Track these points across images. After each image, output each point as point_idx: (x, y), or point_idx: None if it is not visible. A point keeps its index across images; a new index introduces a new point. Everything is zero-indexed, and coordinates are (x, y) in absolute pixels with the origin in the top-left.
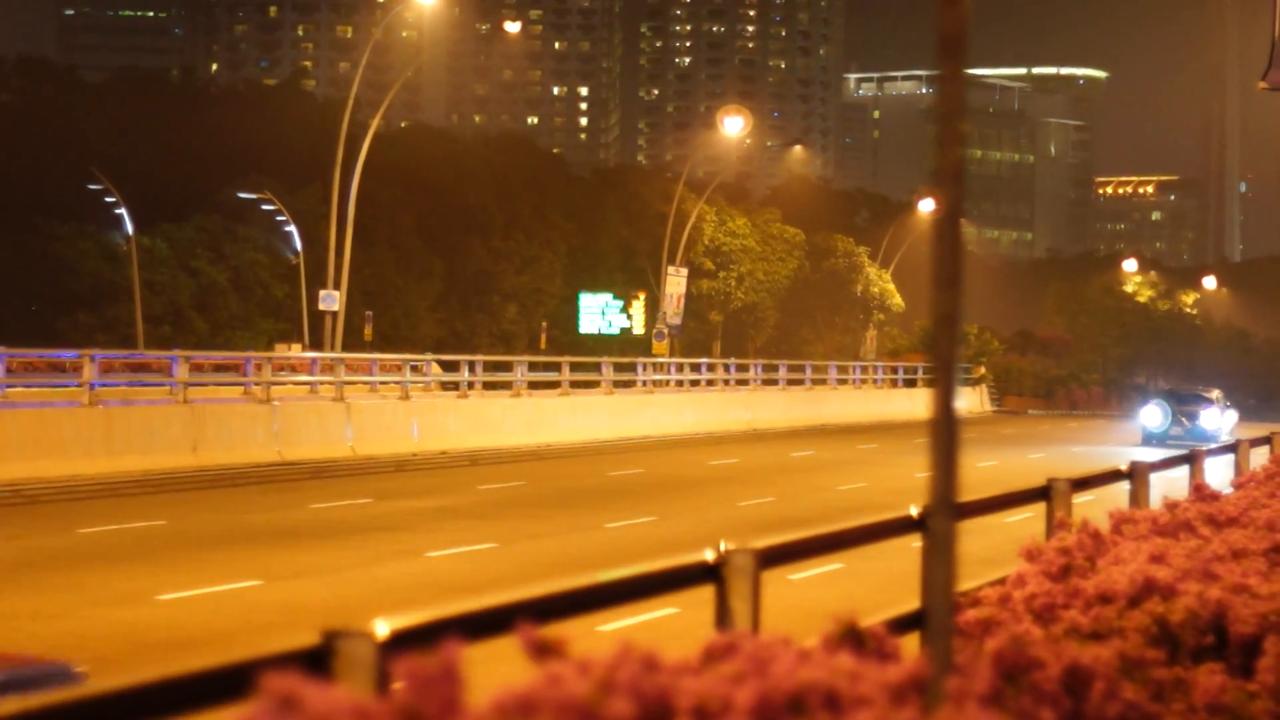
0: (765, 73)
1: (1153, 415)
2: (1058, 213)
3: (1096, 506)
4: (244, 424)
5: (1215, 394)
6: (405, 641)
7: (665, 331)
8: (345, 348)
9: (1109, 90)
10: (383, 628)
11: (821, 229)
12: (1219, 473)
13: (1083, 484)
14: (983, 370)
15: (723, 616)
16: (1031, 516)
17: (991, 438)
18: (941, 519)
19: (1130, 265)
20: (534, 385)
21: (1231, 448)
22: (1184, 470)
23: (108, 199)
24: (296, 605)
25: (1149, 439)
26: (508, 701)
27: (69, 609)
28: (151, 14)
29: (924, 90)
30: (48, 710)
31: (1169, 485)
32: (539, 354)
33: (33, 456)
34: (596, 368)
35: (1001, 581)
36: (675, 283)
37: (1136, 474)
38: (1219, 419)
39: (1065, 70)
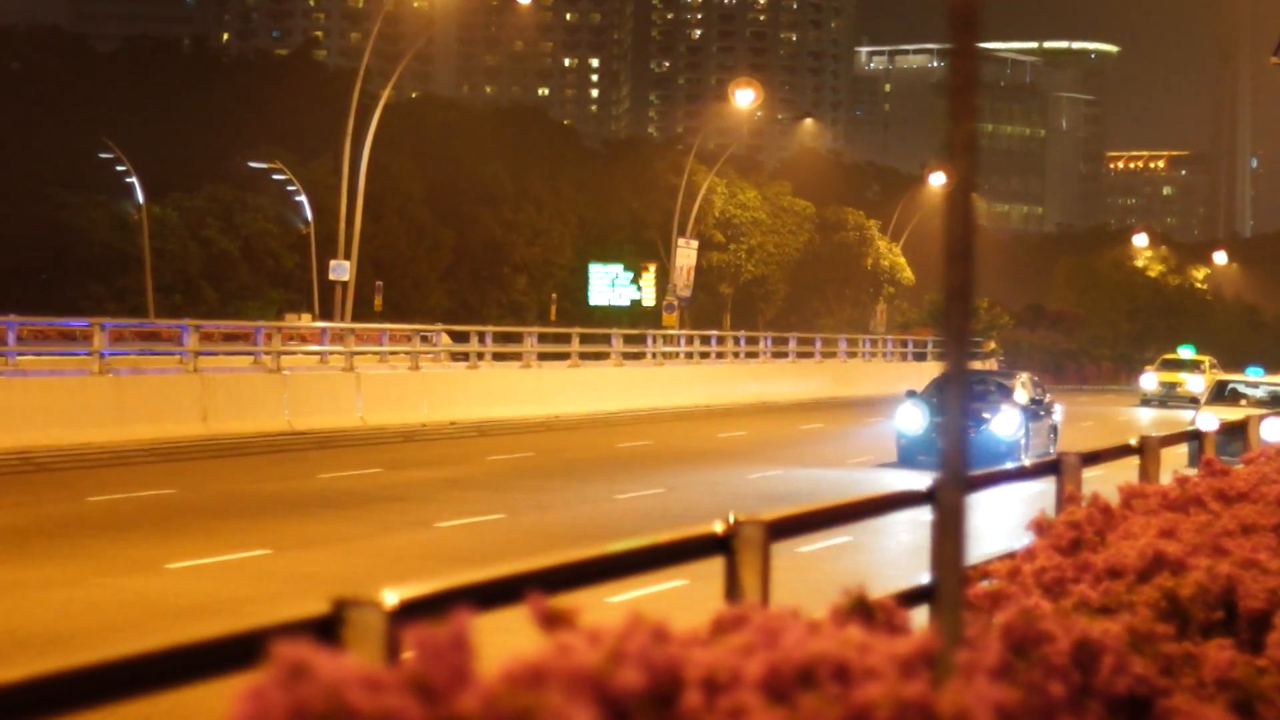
0: (776, 45)
1: (911, 417)
2: (1068, 187)
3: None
4: (254, 393)
5: (1021, 380)
6: (415, 611)
7: (675, 303)
8: (355, 318)
9: (1120, 65)
10: (392, 597)
11: (832, 202)
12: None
13: (1092, 458)
14: (993, 344)
15: (732, 588)
16: (1041, 490)
17: None
18: (951, 492)
19: (1141, 240)
20: (543, 356)
21: (1048, 469)
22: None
23: (118, 168)
24: (305, 574)
25: (907, 454)
26: (517, 671)
27: (78, 577)
28: None
29: (935, 64)
30: (58, 678)
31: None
32: (549, 325)
33: (43, 425)
34: (606, 339)
35: (1011, 555)
36: (685, 255)
37: (1147, 449)
38: (1018, 422)
39: (1077, 44)
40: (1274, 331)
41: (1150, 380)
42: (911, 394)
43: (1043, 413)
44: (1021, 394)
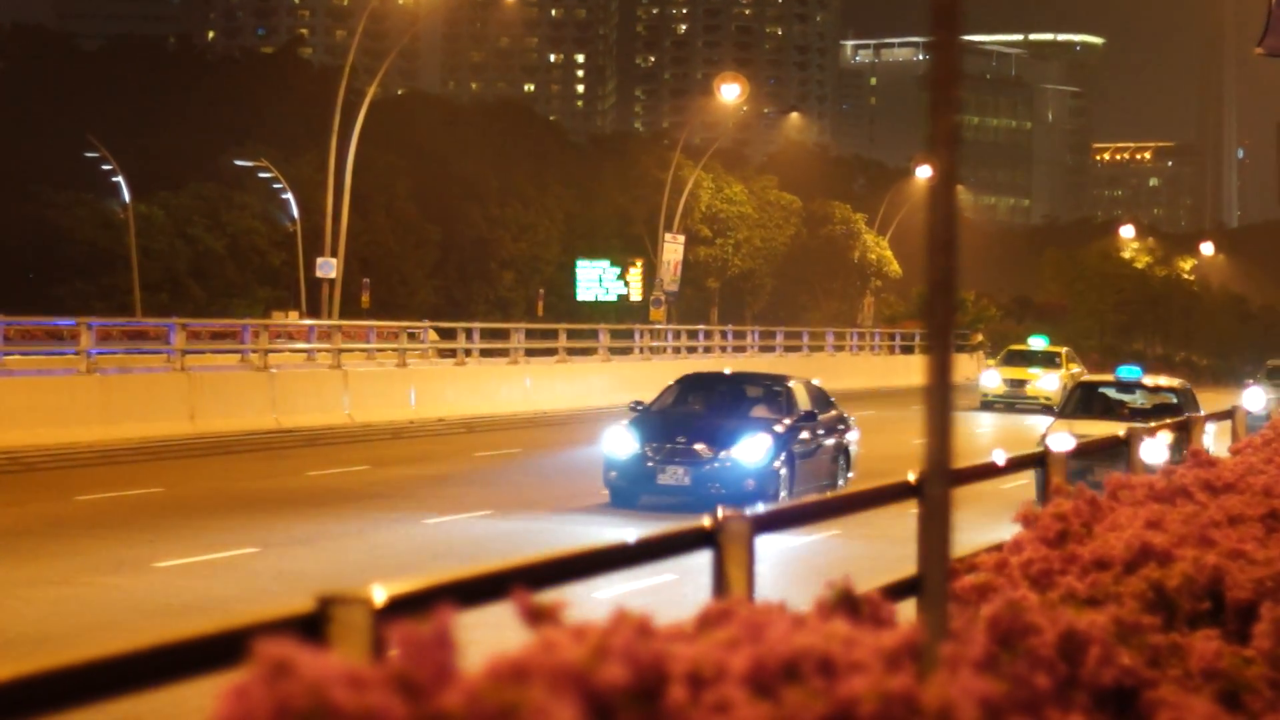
0: (762, 39)
1: (621, 440)
2: (1055, 179)
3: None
4: (241, 391)
5: (797, 388)
6: (400, 608)
7: (662, 298)
8: (342, 315)
9: (1106, 56)
10: (378, 594)
11: (818, 196)
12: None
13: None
14: (979, 337)
15: (718, 583)
16: (1027, 483)
17: None
18: (937, 485)
19: (1128, 231)
20: (531, 352)
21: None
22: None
23: (104, 167)
24: (293, 572)
25: (621, 492)
26: (502, 667)
27: (66, 576)
28: None
29: (921, 57)
30: (44, 677)
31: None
32: (536, 321)
33: (30, 424)
34: (593, 335)
35: (998, 547)
36: (672, 250)
37: (1133, 440)
38: (766, 449)
39: (1062, 36)
40: (1261, 322)
41: (992, 378)
42: (636, 406)
43: (822, 433)
44: (792, 406)
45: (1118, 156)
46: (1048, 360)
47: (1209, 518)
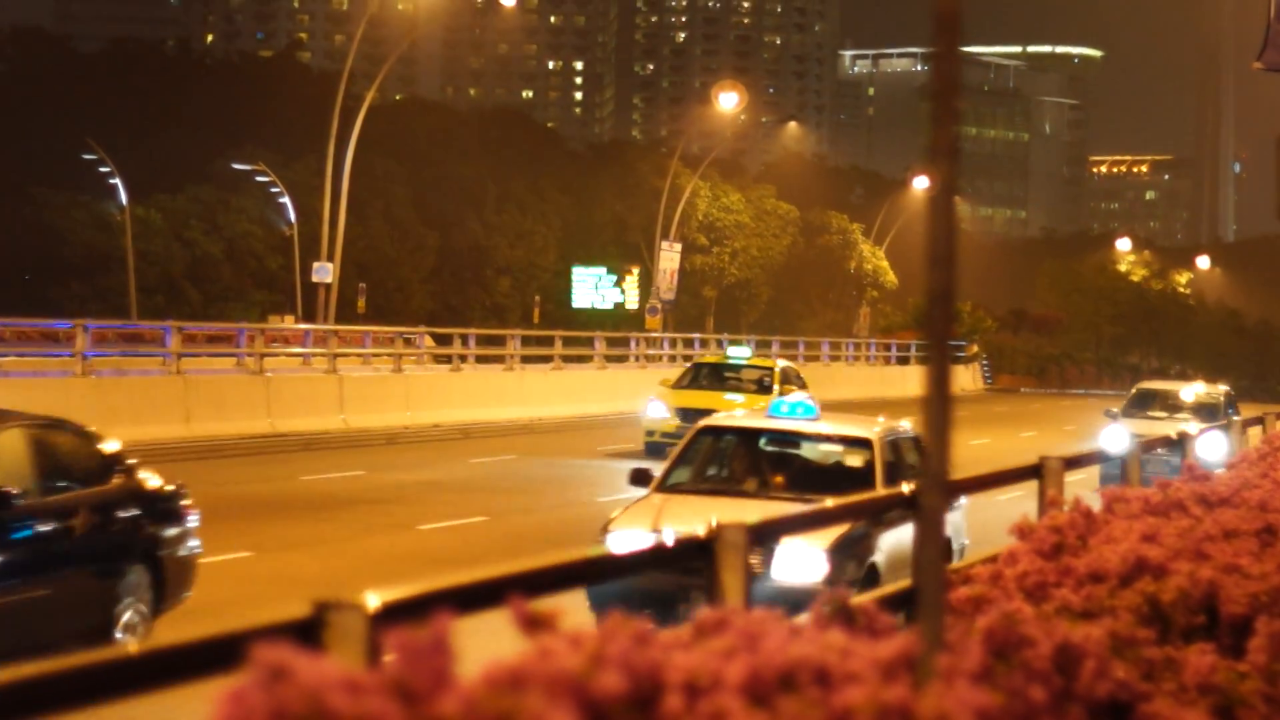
0: (760, 49)
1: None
2: (1052, 191)
3: (1089, 484)
4: (236, 395)
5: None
6: (396, 614)
7: (658, 306)
8: (338, 320)
9: (1104, 69)
10: (374, 600)
11: (815, 205)
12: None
13: (1075, 462)
14: (976, 348)
15: (714, 592)
16: (1022, 495)
17: (984, 416)
18: (933, 496)
19: (1124, 244)
20: (526, 359)
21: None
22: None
23: (102, 169)
24: (287, 577)
25: None
26: (498, 674)
27: None
28: None
29: (919, 68)
30: (40, 680)
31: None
32: (532, 328)
33: None
34: (589, 342)
35: (993, 559)
36: (669, 258)
37: (1129, 453)
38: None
39: (1060, 49)
40: (1256, 336)
41: (657, 409)
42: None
43: None
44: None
45: (1115, 169)
46: (752, 382)
47: (1204, 532)
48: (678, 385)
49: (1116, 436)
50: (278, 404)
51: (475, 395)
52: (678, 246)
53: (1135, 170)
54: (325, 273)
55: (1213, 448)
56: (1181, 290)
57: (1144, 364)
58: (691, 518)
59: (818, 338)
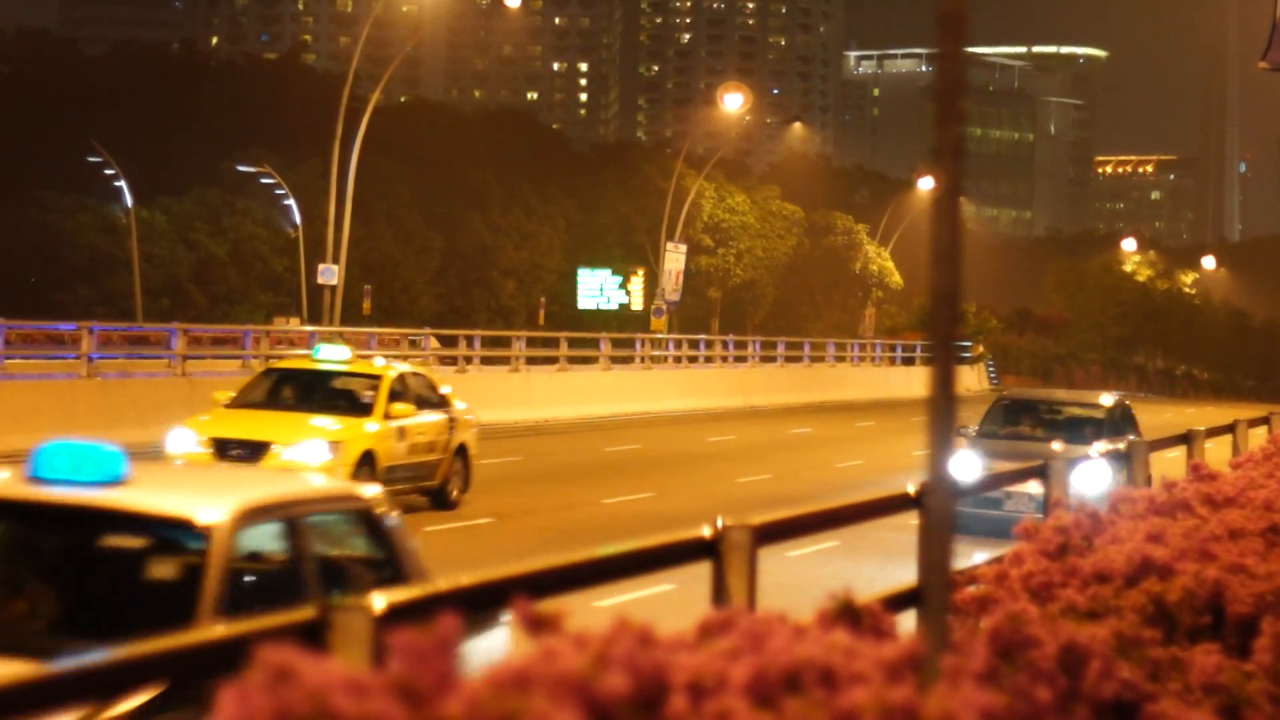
0: (765, 50)
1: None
2: (1057, 192)
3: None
4: None
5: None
6: (401, 615)
7: (664, 308)
8: (343, 322)
9: (1109, 69)
10: (379, 601)
11: (820, 206)
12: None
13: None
14: (981, 349)
15: (719, 593)
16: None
17: None
18: (939, 496)
19: (1129, 244)
20: (532, 360)
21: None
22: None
23: (107, 171)
24: None
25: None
26: (503, 675)
27: None
28: None
29: (924, 68)
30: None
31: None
32: (537, 329)
33: (31, 428)
34: (594, 343)
35: (999, 559)
36: (674, 259)
37: (1134, 453)
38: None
39: (1065, 49)
40: (1262, 337)
41: (182, 441)
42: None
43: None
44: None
45: (1120, 169)
46: (341, 398)
47: (1210, 532)
48: (234, 403)
49: (965, 465)
50: None
51: (480, 397)
52: (683, 248)
53: (1140, 170)
54: (330, 275)
55: (1091, 480)
56: (1187, 290)
57: (1149, 364)
58: None
59: (823, 338)
